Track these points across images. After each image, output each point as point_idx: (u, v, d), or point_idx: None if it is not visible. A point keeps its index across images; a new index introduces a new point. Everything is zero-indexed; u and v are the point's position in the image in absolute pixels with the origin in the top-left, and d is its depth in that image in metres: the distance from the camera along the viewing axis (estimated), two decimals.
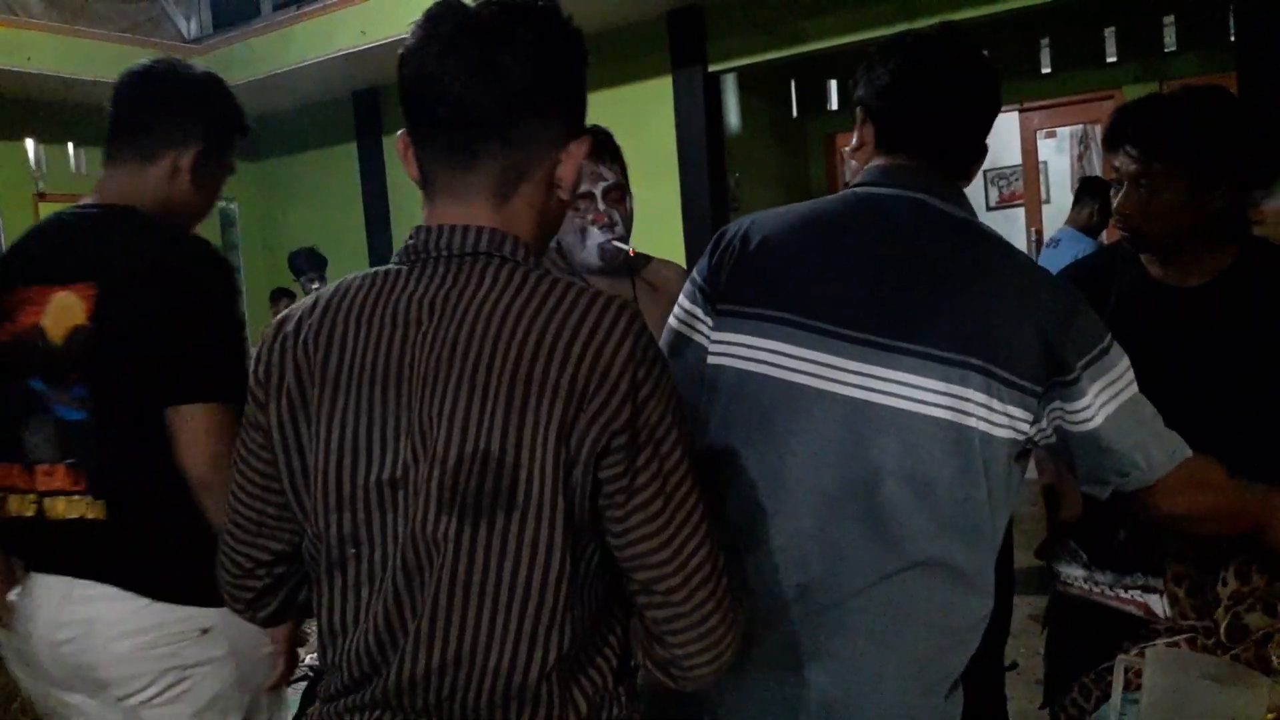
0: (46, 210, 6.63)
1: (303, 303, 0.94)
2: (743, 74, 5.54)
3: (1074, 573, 1.46)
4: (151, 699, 1.38)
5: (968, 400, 1.02)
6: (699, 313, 1.18)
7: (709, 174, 5.28)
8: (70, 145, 6.49)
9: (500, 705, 0.85)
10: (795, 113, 6.11)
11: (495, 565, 0.83)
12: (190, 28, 6.67)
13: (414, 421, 0.84)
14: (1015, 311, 1.04)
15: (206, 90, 1.52)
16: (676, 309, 1.22)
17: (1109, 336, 1.07)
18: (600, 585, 0.90)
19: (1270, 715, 1.13)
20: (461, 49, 0.86)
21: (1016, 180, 7.26)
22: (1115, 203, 1.50)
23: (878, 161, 1.18)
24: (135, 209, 1.45)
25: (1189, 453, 1.11)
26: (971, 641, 1.09)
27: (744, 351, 1.11)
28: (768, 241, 1.14)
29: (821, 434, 1.06)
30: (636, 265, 1.86)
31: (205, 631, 1.40)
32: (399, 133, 0.94)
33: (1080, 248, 4.32)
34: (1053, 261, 4.23)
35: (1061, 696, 1.48)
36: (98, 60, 5.85)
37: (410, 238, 0.92)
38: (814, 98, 5.93)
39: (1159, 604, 1.37)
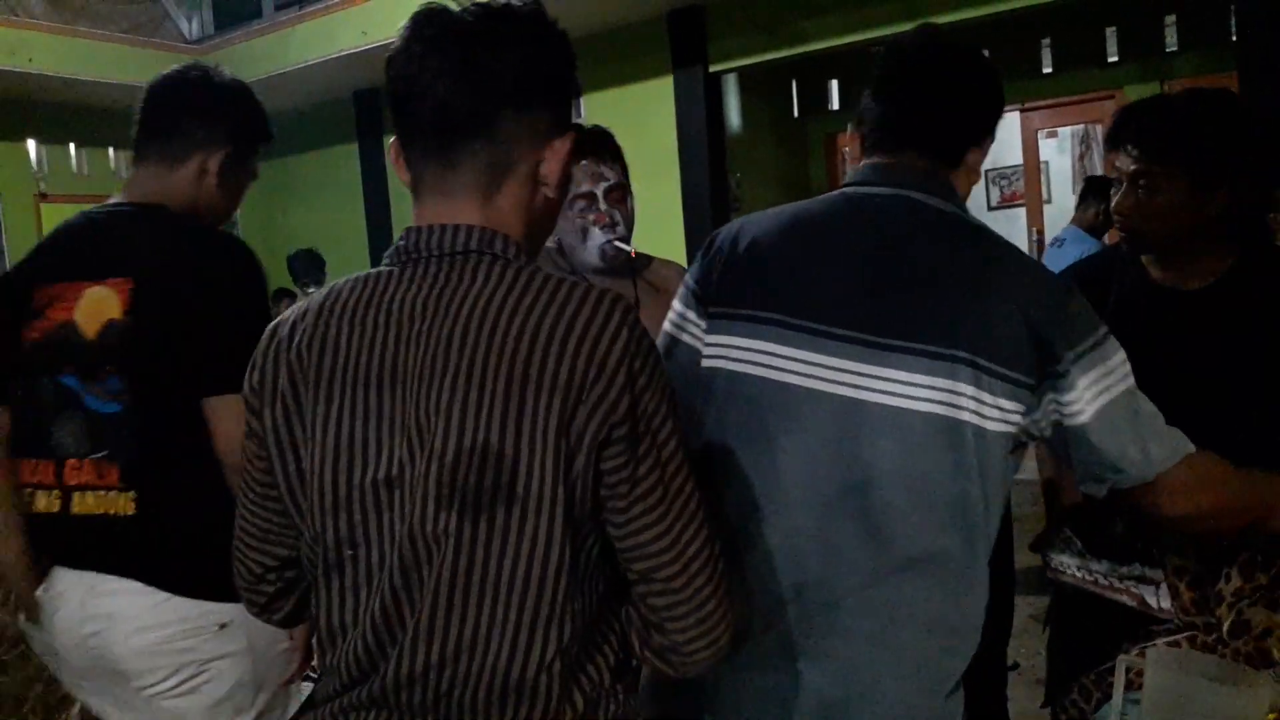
0: (48, 210, 6.65)
1: (295, 308, 0.95)
2: (743, 74, 5.55)
3: (1067, 560, 1.45)
4: (169, 691, 1.41)
5: (958, 394, 1.02)
6: (691, 315, 1.19)
7: (710, 174, 5.29)
8: (72, 146, 6.50)
9: (498, 701, 0.86)
10: (796, 113, 6.11)
11: (495, 559, 0.83)
12: (192, 28, 6.68)
13: (409, 420, 0.85)
14: (1003, 304, 1.04)
15: (236, 96, 1.58)
16: (670, 312, 1.23)
17: (1103, 330, 1.06)
18: (600, 581, 0.90)
19: (1271, 715, 1.13)
20: (443, 50, 0.88)
21: (1018, 180, 7.27)
22: (1114, 202, 1.50)
23: (865, 161, 1.19)
24: (166, 207, 1.49)
25: (1192, 449, 1.09)
26: (970, 639, 1.09)
27: (736, 353, 1.12)
28: (757, 243, 1.15)
29: (815, 433, 1.07)
30: (638, 266, 1.86)
31: (223, 626, 1.42)
32: (391, 140, 0.96)
33: (1085, 247, 4.31)
34: (1057, 261, 4.22)
35: (1063, 697, 1.48)
36: (99, 61, 5.86)
37: (400, 239, 0.92)
38: (815, 98, 5.93)
39: (1153, 596, 1.36)
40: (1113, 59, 4.92)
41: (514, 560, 0.84)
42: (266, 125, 1.63)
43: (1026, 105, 6.12)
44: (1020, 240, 6.65)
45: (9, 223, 6.32)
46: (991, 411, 1.02)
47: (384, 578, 0.86)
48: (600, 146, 1.80)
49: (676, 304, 1.22)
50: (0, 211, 6.22)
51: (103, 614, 1.39)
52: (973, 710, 1.14)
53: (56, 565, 1.45)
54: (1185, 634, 1.34)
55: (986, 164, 1.25)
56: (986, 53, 1.20)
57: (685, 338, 1.19)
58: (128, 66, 5.98)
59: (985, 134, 1.18)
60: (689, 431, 1.12)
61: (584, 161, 1.78)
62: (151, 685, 1.40)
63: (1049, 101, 6.07)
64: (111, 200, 1.53)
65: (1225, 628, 1.31)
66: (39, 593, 1.47)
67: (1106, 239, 4.58)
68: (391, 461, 0.85)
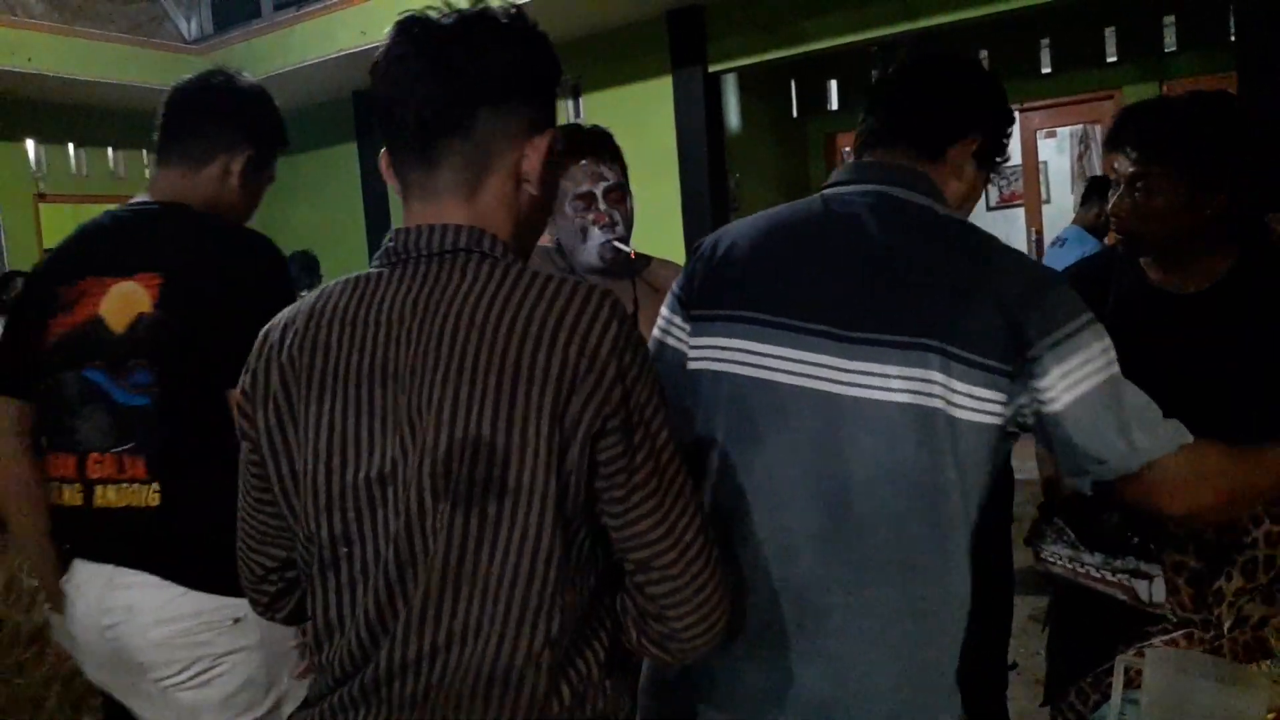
0: (46, 211, 6.65)
1: (286, 312, 0.96)
2: (743, 74, 5.55)
3: (1059, 551, 1.44)
4: (185, 683, 1.43)
5: (929, 383, 1.02)
6: (677, 320, 1.22)
7: (709, 174, 5.29)
8: (70, 145, 6.50)
9: (483, 692, 0.87)
10: (795, 112, 6.12)
11: (487, 551, 0.85)
12: (191, 28, 6.68)
13: (401, 417, 0.86)
14: (975, 292, 1.04)
15: (258, 100, 1.63)
16: (658, 318, 1.26)
17: (1085, 318, 1.04)
18: (591, 575, 0.91)
19: (1270, 715, 1.13)
20: (421, 53, 0.91)
21: (1016, 180, 7.27)
22: (1110, 204, 1.50)
23: (848, 163, 1.22)
24: (190, 207, 1.53)
25: (1188, 439, 1.06)
26: (955, 631, 1.08)
27: (716, 354, 1.14)
28: (735, 246, 1.18)
29: (796, 429, 1.08)
30: (637, 266, 1.86)
31: (237, 621, 1.44)
32: (383, 150, 0.97)
33: (1086, 247, 4.31)
34: (1058, 260, 4.22)
35: (1061, 698, 1.48)
36: (98, 61, 5.86)
37: (389, 240, 0.94)
38: (814, 98, 5.94)
39: (1145, 590, 1.35)
40: (1111, 59, 4.93)
41: (505, 552, 0.85)
42: (285, 130, 1.67)
43: (1025, 105, 6.12)
44: (1019, 240, 6.65)
45: (8, 223, 6.32)
46: (962, 399, 1.02)
47: (378, 573, 0.87)
48: (599, 146, 1.81)
49: (663, 310, 1.25)
50: None
51: (121, 606, 1.42)
52: (974, 710, 1.14)
53: (76, 558, 1.48)
54: (1182, 632, 1.34)
55: None
56: (985, 53, 1.20)
57: (671, 341, 1.22)
58: (126, 66, 5.98)
59: (970, 130, 1.18)
60: (680, 432, 1.14)
61: (583, 161, 1.78)
62: (168, 677, 1.42)
63: (1048, 101, 6.07)
64: (135, 200, 1.57)
65: (1225, 626, 1.31)
66: (61, 584, 1.50)
67: (1108, 239, 4.58)
68: (384, 459, 0.86)
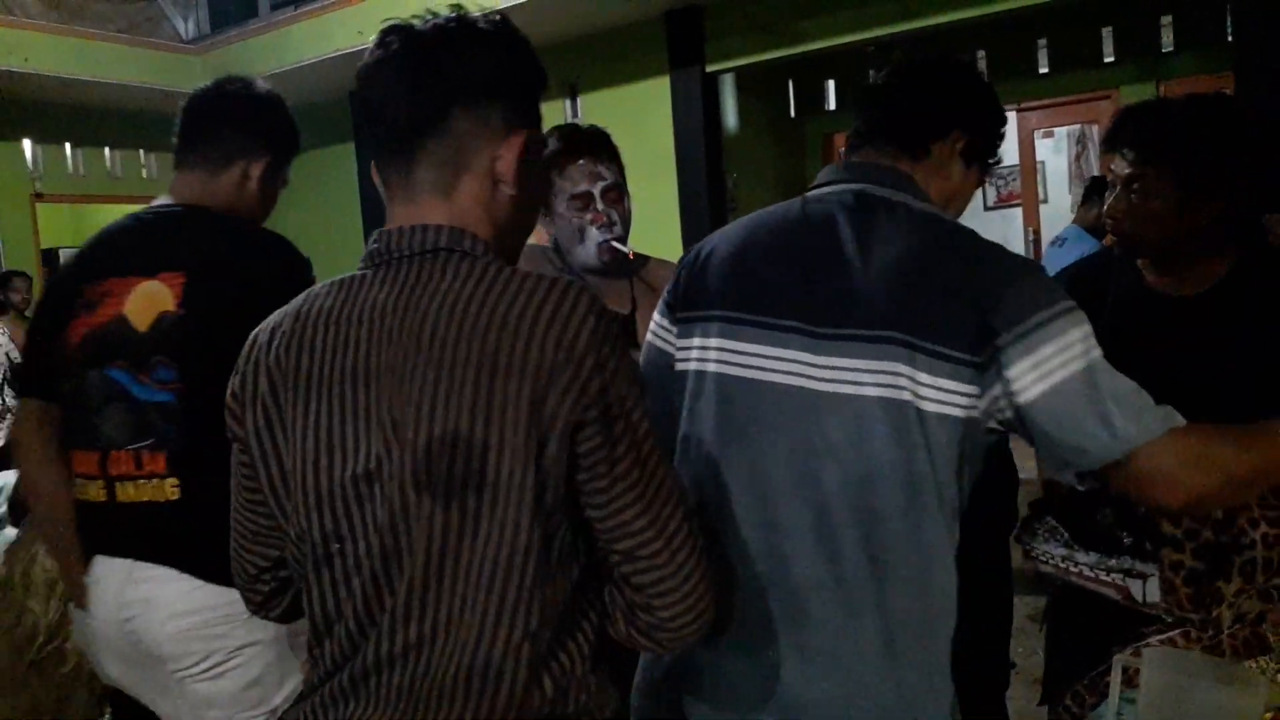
0: (44, 210, 6.65)
1: (275, 315, 0.98)
2: (741, 74, 5.55)
3: (1052, 550, 1.44)
4: (201, 674, 1.46)
5: (896, 375, 1.02)
6: (665, 324, 1.25)
7: (707, 174, 5.29)
8: (68, 145, 6.49)
9: (465, 684, 0.88)
10: (793, 113, 6.12)
11: (468, 544, 0.86)
12: (188, 28, 6.68)
13: (384, 415, 0.87)
14: (942, 284, 1.04)
15: (275, 107, 1.69)
16: (651, 324, 1.28)
17: (1059, 306, 1.01)
18: (574, 569, 0.92)
19: (1268, 715, 1.13)
20: (399, 56, 0.93)
21: (1014, 180, 7.28)
22: (1106, 205, 1.50)
23: (831, 164, 1.24)
24: (210, 209, 1.58)
25: (1179, 423, 1.02)
26: (942, 627, 1.08)
27: (699, 353, 1.17)
28: (716, 250, 1.21)
29: (777, 425, 1.09)
30: (635, 266, 1.86)
31: (251, 614, 1.47)
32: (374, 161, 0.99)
33: (1086, 247, 4.32)
34: (1058, 260, 4.23)
35: (1060, 697, 1.48)
36: (95, 60, 5.85)
37: (373, 242, 0.95)
38: (812, 98, 5.94)
39: (1140, 589, 1.35)
40: (1109, 59, 4.94)
41: (485, 545, 0.86)
42: (298, 137, 1.73)
43: (1023, 105, 6.13)
44: (1016, 239, 6.66)
45: (5, 223, 6.31)
46: (928, 391, 1.02)
47: (366, 568, 0.89)
48: (597, 146, 1.81)
49: (655, 315, 1.27)
50: None
51: (140, 599, 1.45)
52: (973, 710, 1.14)
53: (97, 554, 1.51)
54: (1179, 630, 1.34)
55: None
56: (983, 53, 1.21)
57: (660, 344, 1.25)
58: (123, 66, 5.97)
59: (953, 127, 1.18)
60: (670, 432, 1.17)
61: (581, 161, 1.78)
62: (184, 669, 1.45)
63: (1045, 101, 6.08)
64: (157, 202, 1.61)
65: (1225, 627, 1.31)
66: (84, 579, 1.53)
67: (1107, 240, 4.58)
68: (370, 456, 0.88)
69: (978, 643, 1.15)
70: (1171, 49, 4.75)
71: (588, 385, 0.85)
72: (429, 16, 0.96)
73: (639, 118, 5.23)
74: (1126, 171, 1.45)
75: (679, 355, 1.20)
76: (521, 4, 4.70)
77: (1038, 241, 6.41)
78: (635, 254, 1.82)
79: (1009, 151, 6.75)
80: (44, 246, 6.84)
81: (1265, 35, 3.76)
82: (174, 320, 1.45)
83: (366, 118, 0.96)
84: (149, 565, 1.45)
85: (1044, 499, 1.51)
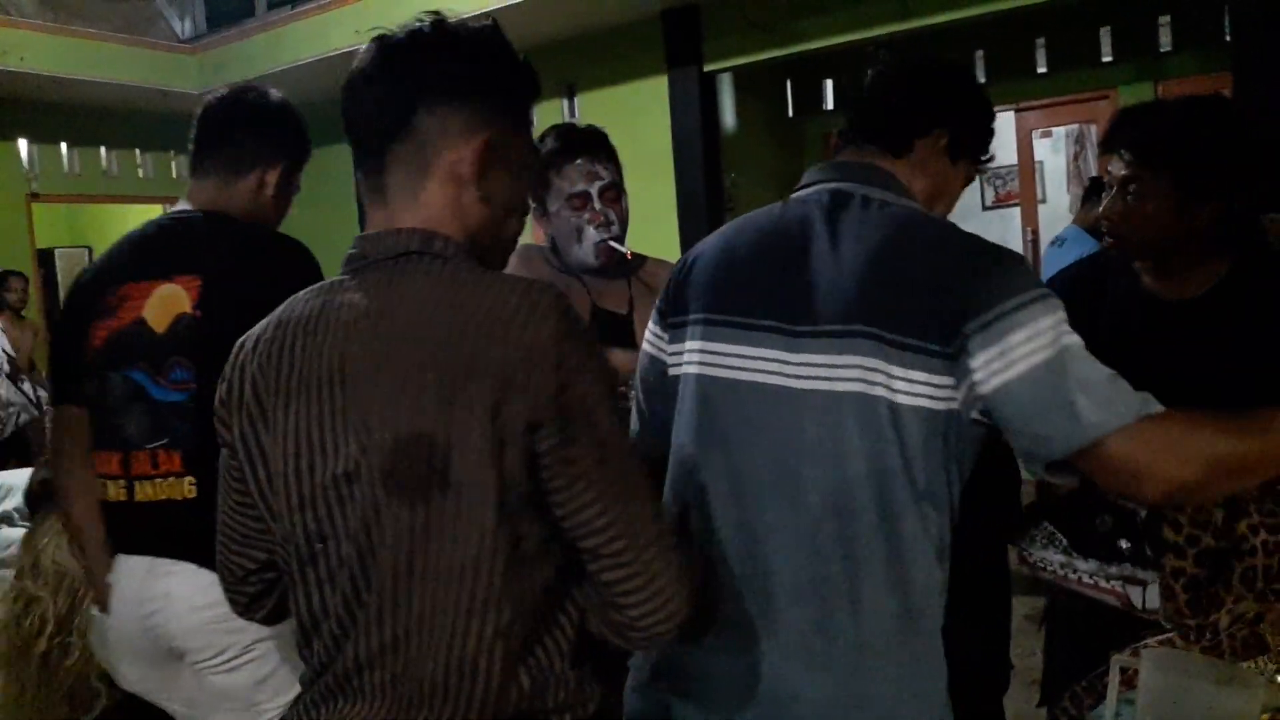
0: (39, 210, 6.63)
1: (259, 323, 1.00)
2: (738, 73, 5.55)
3: (1050, 558, 1.43)
4: (218, 666, 1.49)
5: (868, 369, 1.02)
6: (657, 330, 1.27)
7: (704, 174, 5.29)
8: (63, 145, 6.48)
9: (442, 682, 0.89)
10: (791, 112, 6.12)
11: (435, 542, 0.87)
12: (184, 27, 6.66)
13: (358, 417, 0.89)
14: (912, 276, 1.04)
15: (290, 115, 1.72)
16: (646, 332, 1.30)
17: (1030, 294, 0.99)
18: (548, 565, 0.92)
19: (1266, 716, 1.13)
20: (372, 62, 0.96)
21: (1012, 180, 7.27)
22: (1102, 207, 1.50)
23: (814, 165, 1.24)
24: (228, 214, 1.62)
25: (1154, 409, 0.96)
26: (926, 625, 1.07)
27: (686, 357, 1.18)
28: (702, 255, 1.23)
29: (757, 424, 1.09)
30: (633, 265, 1.86)
31: None
32: None
33: (1085, 247, 4.32)
34: (1058, 260, 4.23)
35: (1058, 699, 1.47)
36: (91, 60, 5.84)
37: (352, 247, 0.97)
38: (810, 97, 5.93)
39: (1139, 596, 1.35)
40: (1107, 59, 4.94)
41: (452, 544, 0.87)
42: (310, 142, 1.76)
43: (1021, 105, 6.13)
44: (1015, 240, 6.66)
45: (0, 222, 6.30)
46: (901, 384, 1.01)
47: (347, 567, 0.90)
48: (594, 146, 1.80)
49: (649, 323, 1.29)
50: None
51: (161, 594, 1.48)
52: (972, 711, 1.14)
53: (119, 553, 1.53)
54: (1178, 632, 1.33)
55: None
56: (981, 53, 1.21)
57: (653, 351, 1.26)
58: (120, 66, 5.96)
59: (935, 124, 1.17)
60: (667, 439, 1.18)
61: (578, 161, 1.78)
62: (204, 660, 1.49)
63: (1043, 101, 6.07)
64: (176, 208, 1.66)
65: (1223, 631, 1.30)
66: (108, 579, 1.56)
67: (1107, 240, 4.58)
68: (347, 458, 0.89)
69: (978, 643, 1.15)
70: (1170, 49, 4.75)
71: (546, 384, 0.86)
72: (420, 19, 0.97)
73: (636, 117, 5.23)
74: (1123, 173, 1.45)
75: (670, 362, 1.22)
76: (518, 4, 4.70)
77: (1036, 241, 6.41)
78: (633, 254, 1.82)
79: (1007, 151, 6.75)
80: (39, 246, 6.83)
81: (1263, 35, 3.77)
82: (190, 322, 1.49)
83: (345, 126, 0.98)
84: (169, 561, 1.48)
85: (1038, 502, 1.50)
